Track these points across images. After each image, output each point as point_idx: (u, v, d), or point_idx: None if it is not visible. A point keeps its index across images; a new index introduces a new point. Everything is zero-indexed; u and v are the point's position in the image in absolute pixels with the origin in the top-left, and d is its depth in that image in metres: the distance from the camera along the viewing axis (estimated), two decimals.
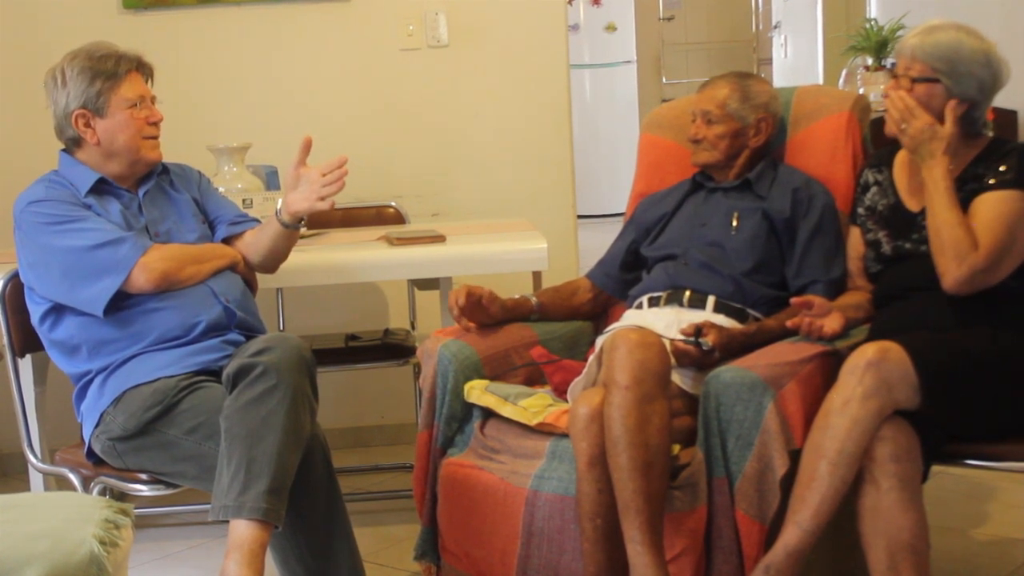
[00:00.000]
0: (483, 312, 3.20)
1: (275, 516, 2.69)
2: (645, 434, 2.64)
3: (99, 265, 2.99)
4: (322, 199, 3.11)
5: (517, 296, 3.31)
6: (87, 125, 3.09)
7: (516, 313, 3.29)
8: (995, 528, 3.69)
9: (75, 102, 3.07)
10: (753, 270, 3.15)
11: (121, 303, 3.02)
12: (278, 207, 3.20)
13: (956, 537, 3.60)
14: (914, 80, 2.92)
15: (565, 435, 2.83)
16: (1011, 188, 2.83)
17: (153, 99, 3.17)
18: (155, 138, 3.16)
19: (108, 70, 3.08)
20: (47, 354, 3.17)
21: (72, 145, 3.15)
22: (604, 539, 2.69)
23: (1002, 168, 2.86)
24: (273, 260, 3.29)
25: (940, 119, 2.90)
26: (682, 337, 2.91)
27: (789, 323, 2.92)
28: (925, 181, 2.87)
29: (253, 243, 3.27)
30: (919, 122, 2.86)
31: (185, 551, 3.85)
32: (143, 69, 3.16)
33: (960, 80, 2.89)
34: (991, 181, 2.85)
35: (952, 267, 2.78)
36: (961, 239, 2.78)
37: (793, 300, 2.95)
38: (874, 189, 3.10)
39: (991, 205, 2.83)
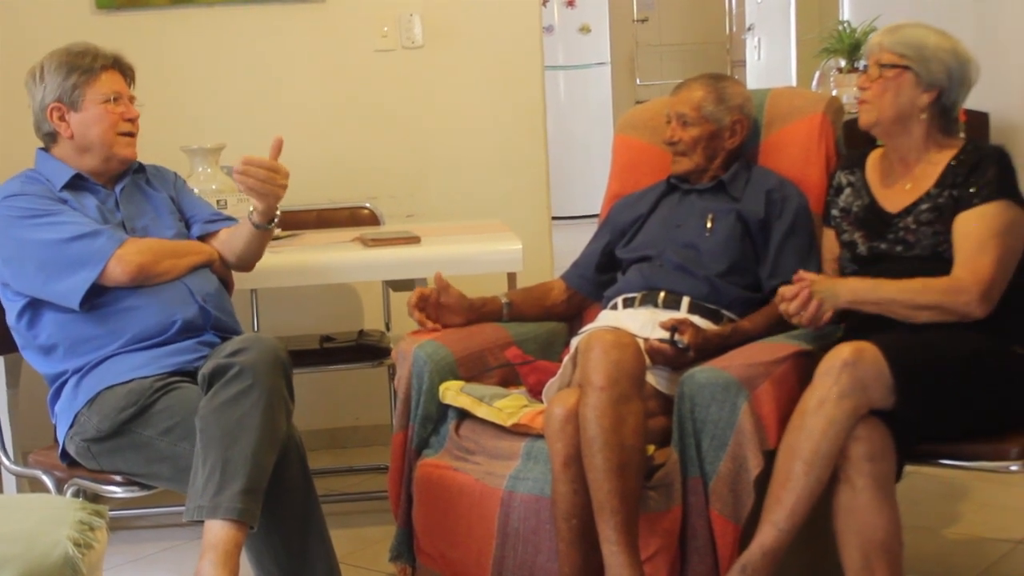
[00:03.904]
0: (447, 311, 3.21)
1: (250, 516, 2.69)
2: (620, 435, 2.65)
3: (75, 257, 2.99)
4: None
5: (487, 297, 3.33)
6: (61, 118, 3.09)
7: (484, 311, 3.29)
8: (968, 527, 3.71)
9: (51, 95, 3.08)
10: (727, 271, 3.16)
11: (98, 300, 3.01)
12: (251, 209, 3.19)
13: (929, 536, 3.62)
14: (883, 66, 2.95)
15: (540, 436, 2.84)
16: (994, 199, 2.85)
17: (131, 98, 3.17)
18: (131, 135, 3.16)
19: (84, 65, 3.09)
20: (20, 355, 3.16)
21: (48, 141, 3.16)
22: (579, 539, 2.70)
23: (984, 177, 2.88)
24: (247, 259, 3.29)
25: (910, 109, 2.94)
26: (659, 335, 2.92)
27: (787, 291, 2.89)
28: (853, 303, 2.86)
29: (228, 242, 3.26)
30: (812, 304, 2.84)
31: (160, 553, 3.84)
32: (121, 67, 3.17)
33: (928, 65, 2.92)
34: (972, 192, 2.86)
35: (960, 305, 2.78)
36: (937, 290, 2.80)
37: (794, 282, 2.92)
38: (848, 191, 3.12)
39: (979, 221, 2.84)
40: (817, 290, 2.84)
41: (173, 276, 3.09)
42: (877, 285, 2.85)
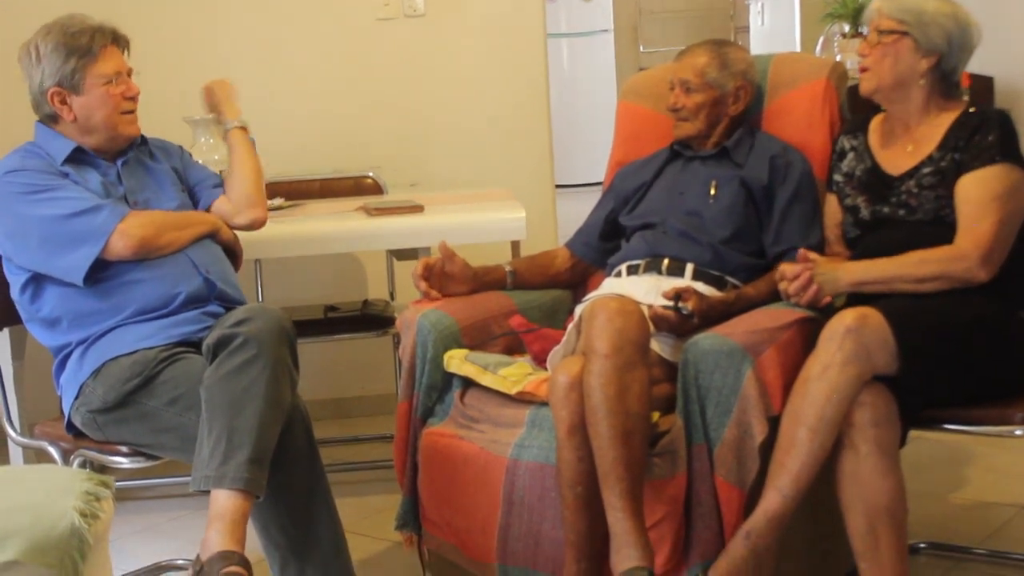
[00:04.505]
0: (452, 280, 3.21)
1: (256, 486, 2.70)
2: (625, 402, 2.65)
3: (77, 233, 2.98)
4: None
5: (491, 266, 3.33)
6: (63, 102, 3.07)
7: (488, 280, 3.29)
8: (973, 492, 3.72)
9: (50, 79, 3.06)
10: (731, 238, 3.15)
11: (101, 274, 3.01)
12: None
13: (934, 501, 3.63)
14: (882, 32, 2.94)
15: (545, 404, 2.84)
16: (997, 163, 2.84)
17: (130, 72, 3.15)
18: (132, 112, 3.15)
19: (83, 46, 3.05)
20: (25, 327, 3.16)
21: (49, 120, 3.14)
22: (585, 507, 2.70)
23: (985, 140, 2.87)
24: (246, 193, 3.29)
25: (909, 75, 2.94)
26: (663, 303, 2.92)
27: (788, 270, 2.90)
28: (856, 285, 2.86)
29: (231, 197, 3.28)
30: (812, 288, 2.85)
31: (166, 523, 3.86)
32: (119, 42, 3.14)
33: (927, 31, 2.91)
34: (974, 155, 2.86)
35: (962, 271, 2.79)
36: (937, 259, 2.81)
37: (798, 259, 2.93)
38: (851, 155, 3.11)
39: (980, 185, 2.84)
40: (818, 273, 2.84)
41: (175, 248, 3.09)
42: (877, 265, 2.85)
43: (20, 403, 3.28)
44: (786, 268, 2.91)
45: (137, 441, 2.96)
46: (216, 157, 3.80)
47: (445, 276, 3.21)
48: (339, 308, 4.29)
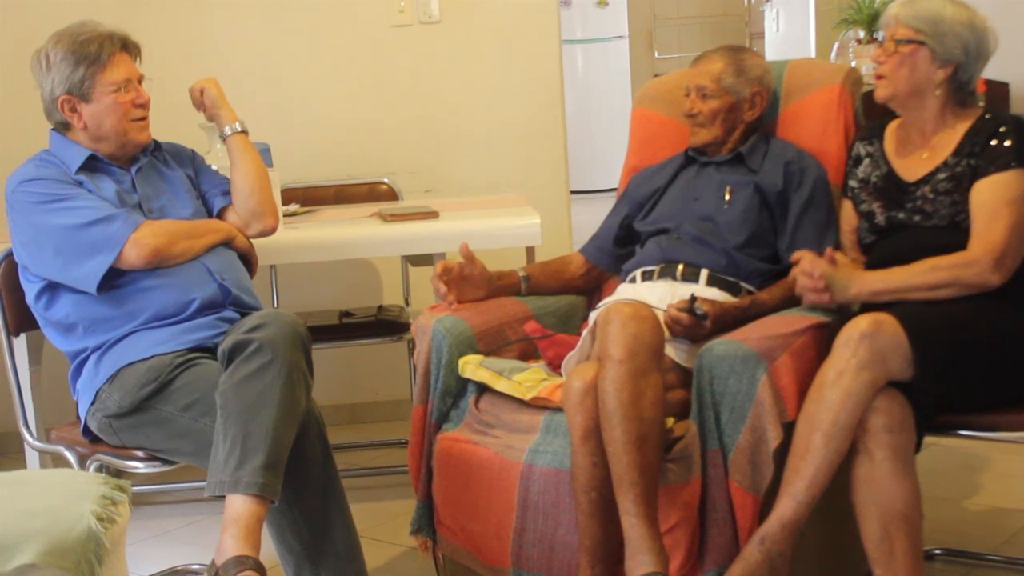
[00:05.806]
0: (469, 284, 3.21)
1: (271, 491, 2.70)
2: (639, 407, 2.65)
3: (91, 242, 3.00)
4: None
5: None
6: (73, 110, 3.09)
7: (502, 285, 3.29)
8: (988, 498, 3.71)
9: (60, 87, 3.07)
10: (745, 244, 3.15)
11: (115, 281, 3.02)
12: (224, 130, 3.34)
13: (949, 507, 3.62)
14: (898, 42, 2.94)
15: (559, 409, 2.84)
16: (1012, 168, 2.84)
17: (141, 79, 3.16)
18: (143, 119, 3.16)
19: (92, 54, 3.06)
20: (42, 333, 3.17)
21: (62, 128, 3.15)
22: (599, 512, 2.71)
23: (1001, 145, 2.87)
24: (251, 208, 3.27)
25: (926, 84, 2.94)
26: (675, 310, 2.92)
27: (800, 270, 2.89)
28: (868, 296, 2.85)
29: (237, 210, 3.27)
30: (826, 295, 2.84)
31: (182, 528, 3.87)
32: (129, 49, 3.14)
33: (943, 40, 2.91)
34: (989, 161, 2.86)
35: (974, 277, 2.78)
36: (948, 266, 2.80)
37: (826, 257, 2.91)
38: (866, 161, 3.11)
39: (994, 190, 2.84)
40: (830, 276, 2.83)
41: (190, 257, 3.10)
42: (890, 276, 2.84)
43: (37, 408, 3.29)
44: (807, 263, 2.87)
45: (152, 446, 2.97)
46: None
47: (463, 279, 3.21)
48: (354, 313, 4.30)
